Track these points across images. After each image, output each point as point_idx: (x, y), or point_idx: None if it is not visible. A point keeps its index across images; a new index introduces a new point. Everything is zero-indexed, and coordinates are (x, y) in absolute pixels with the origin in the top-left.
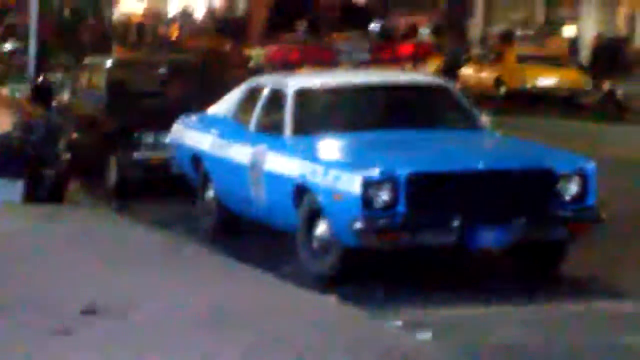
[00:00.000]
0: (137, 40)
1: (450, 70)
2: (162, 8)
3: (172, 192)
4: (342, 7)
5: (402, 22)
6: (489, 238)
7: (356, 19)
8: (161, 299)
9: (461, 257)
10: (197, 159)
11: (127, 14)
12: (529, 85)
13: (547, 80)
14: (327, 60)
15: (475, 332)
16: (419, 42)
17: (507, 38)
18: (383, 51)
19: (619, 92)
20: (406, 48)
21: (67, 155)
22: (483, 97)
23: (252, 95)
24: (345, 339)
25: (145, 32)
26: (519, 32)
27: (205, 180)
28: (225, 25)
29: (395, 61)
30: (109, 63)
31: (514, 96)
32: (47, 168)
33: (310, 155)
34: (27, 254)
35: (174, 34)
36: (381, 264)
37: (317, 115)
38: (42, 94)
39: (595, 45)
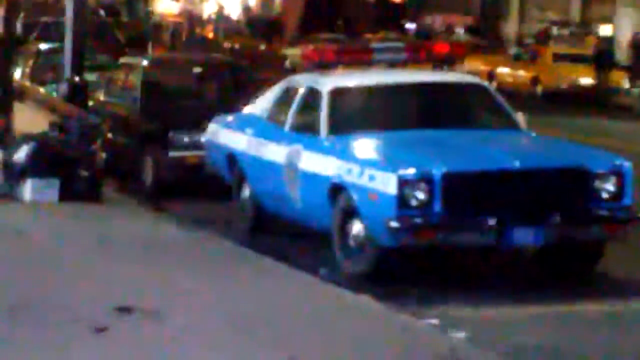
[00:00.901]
0: (172, 40)
1: None
2: (198, 8)
3: (207, 192)
4: (378, 6)
5: (437, 21)
6: (525, 237)
7: (391, 19)
8: (196, 299)
9: (497, 256)
10: (232, 158)
11: (162, 14)
12: (565, 85)
13: (583, 79)
14: (362, 60)
15: (509, 332)
16: (454, 42)
17: (543, 37)
18: (419, 50)
19: None
20: (442, 47)
21: (103, 155)
22: (519, 97)
23: (287, 95)
24: (380, 339)
25: (181, 32)
26: (555, 32)
27: (241, 179)
28: (260, 26)
29: (431, 60)
30: (144, 63)
31: (550, 95)
32: (82, 168)
33: (346, 154)
34: (63, 254)
35: (209, 34)
36: (417, 263)
37: (352, 114)
38: (78, 94)
39: (633, 43)
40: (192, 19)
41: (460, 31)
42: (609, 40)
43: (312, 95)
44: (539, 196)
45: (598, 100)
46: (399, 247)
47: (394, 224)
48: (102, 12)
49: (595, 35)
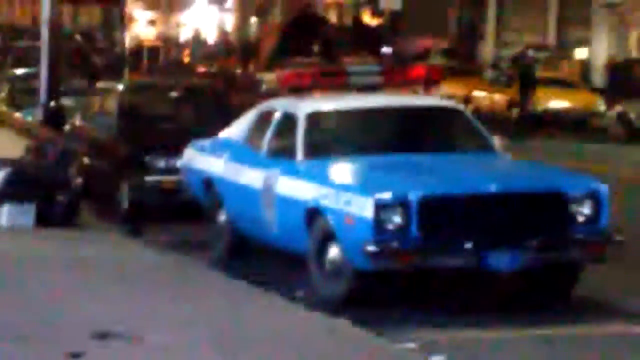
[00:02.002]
0: (149, 64)
1: None
2: (174, 33)
3: (183, 216)
4: (354, 30)
5: (415, 45)
6: (502, 261)
7: (368, 42)
8: (173, 323)
9: (474, 280)
10: (208, 182)
11: (139, 39)
12: (541, 108)
13: (559, 102)
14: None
15: (487, 356)
16: (431, 65)
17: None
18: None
19: (632, 114)
20: (418, 71)
21: (79, 180)
22: (496, 120)
23: (263, 119)
24: None
25: (157, 56)
26: (530, 55)
27: (217, 204)
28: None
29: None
30: (121, 87)
31: (526, 119)
32: (59, 192)
33: (322, 178)
34: (38, 278)
35: (186, 58)
36: (394, 287)
37: (329, 138)
38: (54, 118)
39: (609, 67)
40: (169, 44)
41: (436, 55)
42: (585, 64)
43: (288, 119)
44: (516, 220)
45: (576, 124)
46: (375, 271)
47: (370, 248)
48: (78, 37)
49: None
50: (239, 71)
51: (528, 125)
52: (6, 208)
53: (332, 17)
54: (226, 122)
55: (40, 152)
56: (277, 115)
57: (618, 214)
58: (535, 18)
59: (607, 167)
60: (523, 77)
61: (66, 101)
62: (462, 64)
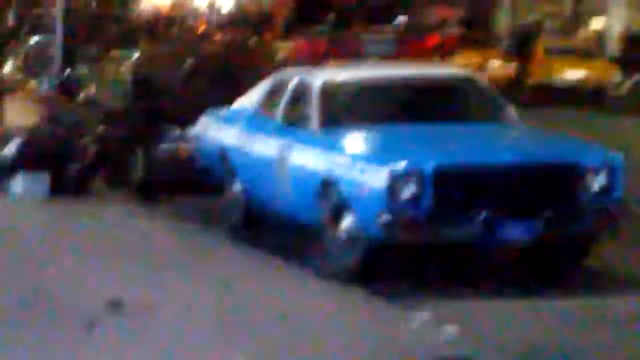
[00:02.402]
0: (164, 33)
1: None
2: (190, 1)
3: (198, 186)
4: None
5: (432, 14)
6: (515, 232)
7: (383, 12)
8: (185, 296)
9: (488, 251)
10: (223, 152)
11: (155, 7)
12: (556, 78)
13: (575, 72)
14: (353, 53)
15: (502, 327)
16: (445, 35)
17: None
18: (409, 44)
19: None
20: (432, 40)
21: (93, 149)
22: (511, 90)
23: (278, 89)
24: (372, 334)
25: (173, 25)
26: (546, 25)
27: (231, 174)
28: (252, 19)
29: (422, 54)
30: (135, 56)
31: (541, 89)
32: (73, 161)
33: (336, 148)
34: (51, 250)
35: (201, 27)
36: (408, 257)
37: (343, 108)
38: (69, 88)
39: (625, 37)
40: (184, 12)
41: (452, 24)
42: (601, 33)
43: (303, 89)
44: (530, 190)
45: (592, 94)
46: (389, 241)
47: (385, 218)
48: (93, 5)
49: (587, 28)
50: (254, 40)
51: (544, 95)
52: (20, 177)
53: None
54: (241, 91)
55: (54, 121)
56: (292, 84)
57: (632, 184)
58: None
59: (622, 139)
60: (520, 47)
61: (81, 70)
62: (478, 33)
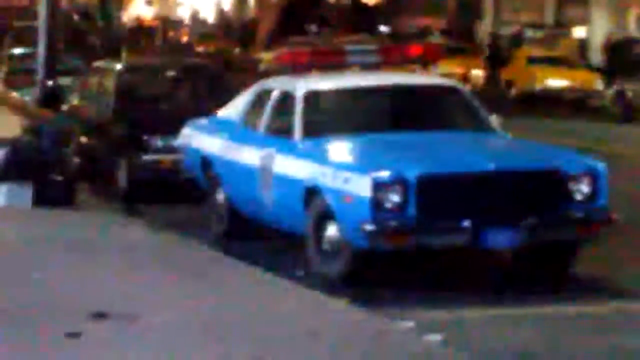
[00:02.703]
0: (146, 44)
1: None
2: (172, 12)
3: (181, 196)
4: (352, 9)
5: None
6: (499, 239)
7: (365, 21)
8: (171, 303)
9: (472, 259)
10: (206, 162)
11: (137, 18)
12: (539, 87)
13: (557, 81)
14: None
15: (486, 335)
16: (428, 44)
17: (516, 40)
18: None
19: (629, 93)
20: (415, 50)
21: (77, 160)
22: (493, 99)
23: (261, 98)
24: (356, 342)
25: (155, 36)
26: (529, 34)
27: (215, 183)
28: (234, 29)
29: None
30: (118, 67)
31: (524, 98)
32: (56, 172)
33: (320, 157)
34: (36, 259)
35: (184, 38)
36: (391, 266)
37: (326, 117)
38: (52, 99)
39: (607, 46)
40: (167, 23)
41: (434, 34)
42: (583, 42)
43: (286, 98)
44: (514, 198)
45: (574, 103)
46: (373, 250)
47: (368, 226)
48: (75, 17)
49: (569, 37)
50: (237, 50)
51: (526, 104)
52: (4, 188)
53: None
54: (224, 101)
55: (37, 132)
56: (275, 94)
57: (615, 193)
58: None
59: (604, 146)
60: (491, 58)
61: (64, 81)
62: (460, 42)
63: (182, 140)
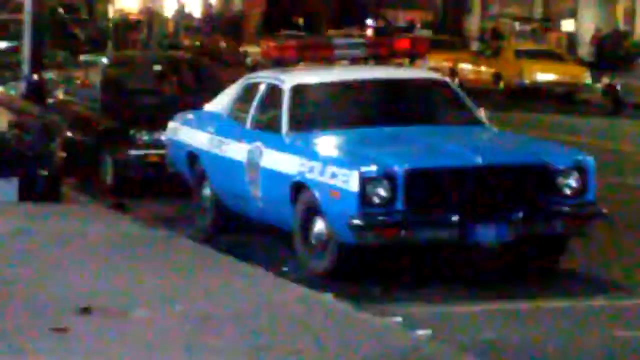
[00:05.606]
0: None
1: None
2: (158, 6)
3: (168, 190)
4: (339, 2)
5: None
6: (488, 234)
7: (353, 15)
8: (156, 297)
9: (460, 254)
10: (193, 156)
11: (123, 12)
12: (527, 81)
13: (546, 75)
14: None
15: (474, 329)
16: (415, 38)
17: (494, 33)
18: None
19: (618, 87)
20: (403, 43)
21: (62, 154)
22: (481, 93)
23: (248, 92)
24: (344, 337)
25: (141, 30)
26: (517, 27)
27: (201, 178)
28: (221, 23)
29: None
30: (104, 61)
31: (512, 91)
32: (42, 167)
33: (307, 152)
34: (22, 254)
35: (170, 32)
36: (379, 260)
37: (313, 111)
38: (37, 93)
39: (596, 40)
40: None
41: (421, 27)
42: (572, 36)
43: (273, 92)
44: (502, 192)
45: (563, 96)
46: (361, 245)
47: (356, 221)
48: (60, 10)
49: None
50: (223, 44)
51: (514, 97)
52: None
53: None
54: (210, 95)
55: (22, 127)
56: (262, 88)
57: (603, 187)
58: None
59: (593, 140)
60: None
61: (49, 75)
62: (448, 36)
63: (169, 134)
